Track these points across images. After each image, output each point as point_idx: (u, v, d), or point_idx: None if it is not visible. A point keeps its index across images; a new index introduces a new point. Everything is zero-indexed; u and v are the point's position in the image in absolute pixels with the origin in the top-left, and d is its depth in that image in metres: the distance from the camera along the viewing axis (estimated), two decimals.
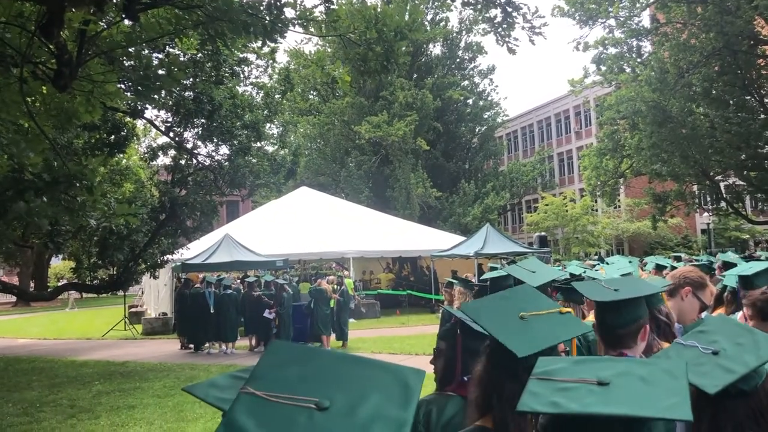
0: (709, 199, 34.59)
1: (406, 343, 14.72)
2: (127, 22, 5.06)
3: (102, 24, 5.15)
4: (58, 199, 5.06)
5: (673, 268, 7.31)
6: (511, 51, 6.95)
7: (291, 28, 4.77)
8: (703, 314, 3.50)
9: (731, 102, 24.70)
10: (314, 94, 42.52)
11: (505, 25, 6.48)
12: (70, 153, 10.73)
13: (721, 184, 30.59)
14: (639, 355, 2.30)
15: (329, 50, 35.17)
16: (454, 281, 7.54)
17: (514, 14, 6.42)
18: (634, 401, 1.14)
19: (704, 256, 12.90)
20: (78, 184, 5.05)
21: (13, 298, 34.43)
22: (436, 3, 41.20)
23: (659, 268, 9.66)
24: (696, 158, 25.59)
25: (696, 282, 3.47)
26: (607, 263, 11.37)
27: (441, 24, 41.92)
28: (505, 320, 1.84)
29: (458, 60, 44.58)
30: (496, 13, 6.60)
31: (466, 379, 2.33)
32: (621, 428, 1.14)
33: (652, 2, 25.81)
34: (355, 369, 1.15)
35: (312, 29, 5.08)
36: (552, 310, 1.99)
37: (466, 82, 44.47)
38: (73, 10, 4.20)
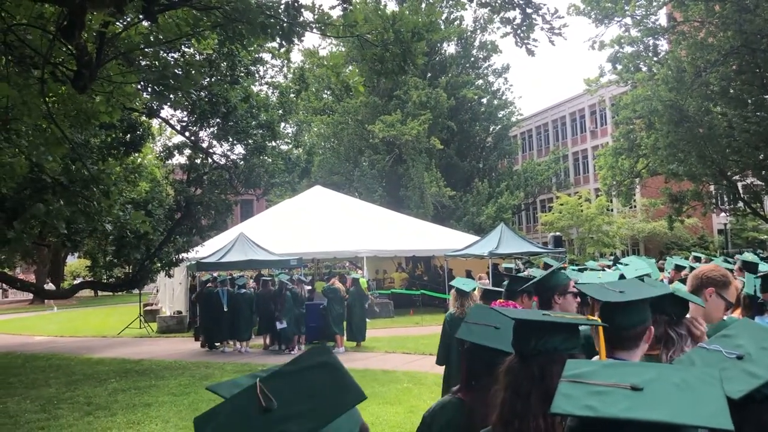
0: (726, 199, 34.25)
1: (420, 343, 14.70)
2: (145, 23, 5.08)
3: (120, 25, 5.18)
4: (75, 202, 5.09)
5: (692, 269, 7.22)
6: (530, 53, 6.89)
7: (309, 30, 4.77)
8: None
9: (750, 101, 24.42)
10: (328, 93, 42.57)
11: (524, 27, 6.42)
12: (86, 152, 10.80)
13: (739, 184, 30.25)
14: (641, 356, 2.31)
15: (343, 49, 35.20)
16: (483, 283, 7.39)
17: (534, 16, 6.36)
18: (671, 408, 1.14)
19: (719, 258, 12.72)
20: (95, 188, 5.08)
21: (30, 296, 34.81)
22: (450, 2, 41.10)
23: (678, 269, 9.56)
24: (713, 158, 25.33)
25: (719, 281, 3.39)
26: (621, 264, 11.28)
27: (455, 23, 41.84)
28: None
29: (472, 59, 44.45)
30: (514, 14, 6.55)
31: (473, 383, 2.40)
32: None
33: (669, 0, 25.59)
34: (320, 376, 1.27)
35: (329, 32, 5.08)
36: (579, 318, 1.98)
37: (480, 81, 44.33)
38: (94, 12, 4.22)
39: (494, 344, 2.30)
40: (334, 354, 1.35)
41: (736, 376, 1.63)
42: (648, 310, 2.34)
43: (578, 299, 3.87)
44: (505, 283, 6.34)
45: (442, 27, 39.18)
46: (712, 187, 31.37)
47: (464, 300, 6.73)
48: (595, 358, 2.32)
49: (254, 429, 1.18)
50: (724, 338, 1.85)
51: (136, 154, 15.18)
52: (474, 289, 7.13)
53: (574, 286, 3.80)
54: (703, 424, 1.12)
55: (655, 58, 28.14)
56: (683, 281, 4.78)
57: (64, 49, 4.77)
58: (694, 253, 15.85)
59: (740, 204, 31.59)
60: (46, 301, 31.89)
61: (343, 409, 1.23)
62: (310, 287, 15.20)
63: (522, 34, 6.48)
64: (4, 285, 36.61)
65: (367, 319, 16.16)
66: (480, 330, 2.44)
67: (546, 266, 11.11)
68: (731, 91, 24.21)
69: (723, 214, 36.23)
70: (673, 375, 1.25)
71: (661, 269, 10.50)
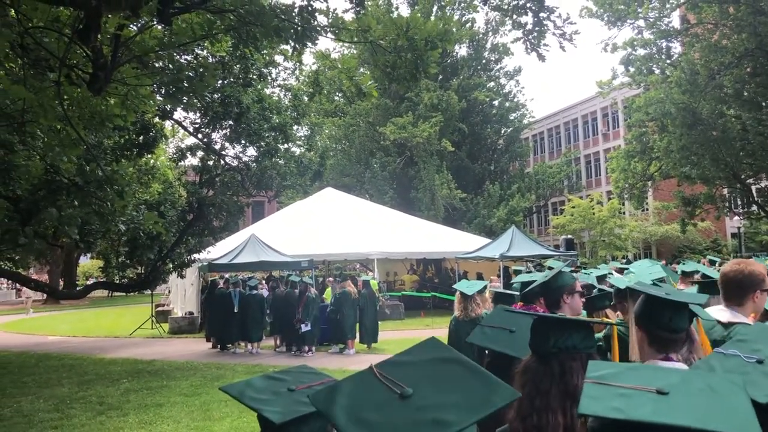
0: (739, 202, 33.98)
1: None
2: (159, 26, 5.12)
3: (134, 28, 5.22)
4: (89, 202, 5.14)
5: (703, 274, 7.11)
6: (541, 58, 6.86)
7: (323, 35, 4.78)
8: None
9: (764, 104, 24.22)
10: (339, 95, 42.64)
11: (535, 33, 6.39)
12: (100, 153, 10.89)
13: (753, 187, 30.02)
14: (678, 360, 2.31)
15: (355, 51, 35.25)
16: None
17: (546, 22, 6.34)
18: (699, 413, 1.15)
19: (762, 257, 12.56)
20: (109, 189, 5.13)
21: (44, 296, 35.07)
22: (462, 4, 41.06)
23: (685, 275, 9.41)
24: (727, 161, 25.14)
25: (762, 281, 3.36)
26: (628, 270, 11.18)
27: (467, 25, 41.78)
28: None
29: (484, 61, 44.37)
30: (527, 20, 6.53)
31: None
32: None
33: (683, 3, 25.43)
34: (458, 371, 1.30)
35: (343, 36, 5.09)
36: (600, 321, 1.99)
37: (491, 84, 44.23)
38: (109, 15, 4.26)
39: (506, 349, 2.29)
40: (455, 350, 1.38)
41: (759, 381, 1.63)
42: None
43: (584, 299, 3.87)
44: (515, 285, 6.33)
45: (454, 30, 39.14)
46: (725, 190, 31.15)
47: (468, 303, 6.73)
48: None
49: (397, 412, 1.20)
50: (741, 343, 1.85)
51: (149, 156, 15.28)
52: (485, 289, 7.12)
53: (582, 287, 3.80)
54: (733, 431, 1.13)
55: (668, 61, 27.97)
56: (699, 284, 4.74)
57: (80, 52, 4.81)
58: (708, 257, 15.72)
59: (754, 207, 31.33)
60: (24, 302, 31.61)
61: (497, 405, 1.23)
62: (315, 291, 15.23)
63: (533, 40, 6.46)
64: (17, 285, 36.92)
65: (379, 321, 16.16)
66: (493, 333, 2.43)
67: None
68: (745, 93, 24.02)
69: (736, 217, 35.92)
70: (697, 380, 1.27)
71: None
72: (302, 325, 14.15)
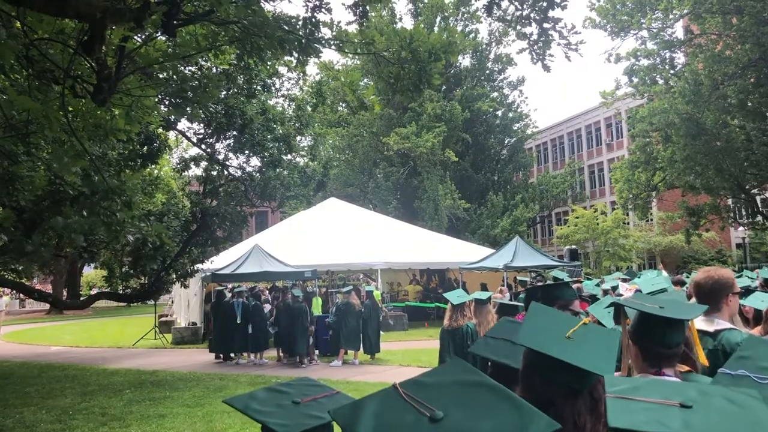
0: (744, 212, 33.87)
1: (435, 356, 14.48)
2: (164, 38, 5.14)
3: (139, 40, 5.24)
4: (96, 212, 5.14)
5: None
6: (546, 68, 6.85)
7: (327, 47, 4.80)
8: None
9: None
10: (343, 105, 42.78)
11: (540, 43, 6.39)
12: (103, 164, 10.91)
13: (758, 198, 29.94)
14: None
15: (358, 63, 35.38)
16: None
17: (551, 32, 6.34)
18: (726, 426, 1.15)
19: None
20: (117, 199, 5.13)
21: (47, 306, 35.11)
22: (465, 15, 41.22)
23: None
24: (731, 171, 25.11)
25: (732, 284, 3.47)
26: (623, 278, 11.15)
27: (470, 36, 41.92)
28: (560, 343, 1.84)
29: (487, 71, 44.47)
30: (531, 30, 6.52)
31: None
32: None
33: (686, 13, 25.48)
34: (489, 396, 1.26)
35: (347, 48, 5.10)
36: (579, 324, 1.97)
37: (495, 94, 44.31)
38: (113, 26, 4.28)
39: (506, 360, 2.27)
40: (482, 373, 1.35)
41: None
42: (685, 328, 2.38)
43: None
44: (522, 296, 6.34)
45: (458, 41, 39.28)
46: (730, 201, 31.07)
47: (454, 313, 6.77)
48: (617, 374, 2.30)
49: None
50: (743, 360, 1.83)
51: (153, 166, 15.32)
52: (489, 299, 7.13)
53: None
54: None
55: (671, 71, 27.99)
56: None
57: (84, 64, 4.83)
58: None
59: (759, 217, 31.24)
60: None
61: None
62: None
63: (538, 50, 6.46)
64: (21, 295, 36.95)
65: (382, 332, 16.11)
66: (496, 344, 2.42)
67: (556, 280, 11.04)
68: (749, 104, 24.01)
69: (741, 227, 35.83)
70: (714, 393, 1.27)
71: (683, 282, 10.35)
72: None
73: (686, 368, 2.51)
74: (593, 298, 8.05)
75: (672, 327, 2.27)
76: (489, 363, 2.43)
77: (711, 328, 3.32)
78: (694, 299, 3.57)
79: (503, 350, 2.36)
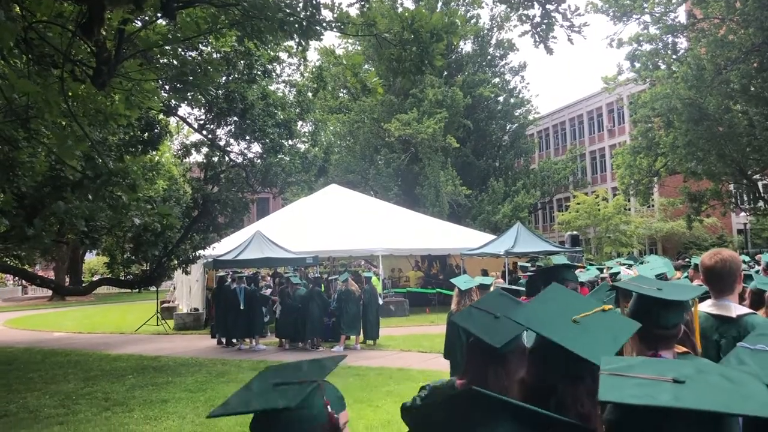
0: (746, 198, 33.84)
1: (435, 342, 14.63)
2: (163, 21, 5.10)
3: (138, 23, 5.20)
4: (102, 196, 5.13)
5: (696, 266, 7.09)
6: (549, 51, 6.80)
7: (328, 29, 4.75)
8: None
9: None
10: (344, 91, 42.59)
11: (543, 26, 6.33)
12: (104, 149, 10.89)
13: (759, 183, 29.87)
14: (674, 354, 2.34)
15: (359, 47, 35.18)
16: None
17: (553, 14, 6.27)
18: (718, 398, 1.17)
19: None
20: (121, 181, 5.12)
21: (49, 292, 35.20)
22: (467, 0, 40.94)
23: (696, 268, 9.39)
24: (733, 156, 25.03)
25: (741, 263, 3.37)
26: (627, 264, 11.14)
27: (472, 21, 41.65)
28: (562, 326, 1.82)
29: (489, 57, 44.24)
30: (534, 13, 6.46)
31: None
32: (698, 426, 1.16)
33: None
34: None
35: (348, 30, 5.06)
36: (596, 309, 1.95)
37: (496, 80, 44.11)
38: (112, 9, 4.24)
39: (482, 334, 2.21)
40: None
41: None
42: (684, 310, 2.39)
43: None
44: (521, 280, 6.35)
45: (459, 25, 39.04)
46: (731, 186, 31.01)
47: (463, 298, 6.77)
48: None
49: None
50: (764, 337, 1.83)
51: (154, 152, 15.29)
52: (490, 285, 7.14)
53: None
54: (755, 413, 1.14)
55: (674, 56, 27.82)
56: None
57: (84, 47, 4.80)
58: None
59: (760, 203, 31.20)
60: None
61: None
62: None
63: (541, 33, 6.40)
64: (23, 281, 37.05)
65: (382, 318, 16.15)
66: (478, 315, 2.35)
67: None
68: (752, 89, 23.88)
69: (743, 213, 35.80)
70: (710, 371, 1.28)
71: (685, 266, 10.37)
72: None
73: (683, 349, 2.51)
74: (593, 285, 8.08)
75: (668, 308, 2.27)
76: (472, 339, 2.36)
77: (732, 314, 3.17)
78: (696, 282, 3.52)
79: (482, 323, 2.28)
